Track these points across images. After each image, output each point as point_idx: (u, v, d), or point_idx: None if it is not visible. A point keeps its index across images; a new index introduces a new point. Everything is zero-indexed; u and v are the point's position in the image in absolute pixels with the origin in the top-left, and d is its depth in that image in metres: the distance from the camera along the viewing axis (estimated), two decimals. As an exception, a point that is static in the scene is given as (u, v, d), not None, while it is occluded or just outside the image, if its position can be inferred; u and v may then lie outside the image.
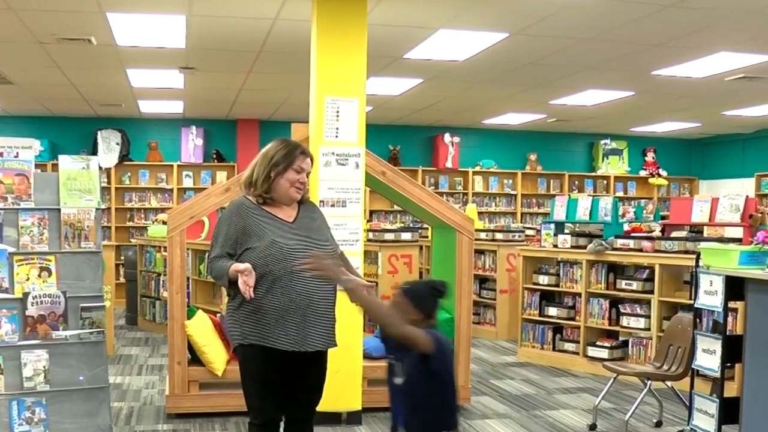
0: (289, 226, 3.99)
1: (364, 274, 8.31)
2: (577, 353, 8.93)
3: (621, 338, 8.64)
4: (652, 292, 8.13)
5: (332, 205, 6.42)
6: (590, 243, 8.68)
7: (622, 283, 8.45)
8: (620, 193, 16.72)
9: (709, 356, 5.53)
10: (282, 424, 4.24)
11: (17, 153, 5.33)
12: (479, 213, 14.60)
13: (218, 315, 7.18)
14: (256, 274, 3.86)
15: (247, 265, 3.83)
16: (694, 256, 5.89)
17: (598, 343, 8.67)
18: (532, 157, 16.47)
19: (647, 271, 8.27)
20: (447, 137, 15.79)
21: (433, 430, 3.70)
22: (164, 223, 10.15)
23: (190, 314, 6.62)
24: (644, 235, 8.66)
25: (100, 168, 5.86)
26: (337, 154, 6.49)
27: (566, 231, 9.31)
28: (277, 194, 4.03)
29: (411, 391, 3.74)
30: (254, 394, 4.10)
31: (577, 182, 16.72)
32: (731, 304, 5.74)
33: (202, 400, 6.55)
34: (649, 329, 8.17)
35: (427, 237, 10.75)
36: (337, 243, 4.31)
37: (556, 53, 9.01)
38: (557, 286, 9.21)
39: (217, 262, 4.00)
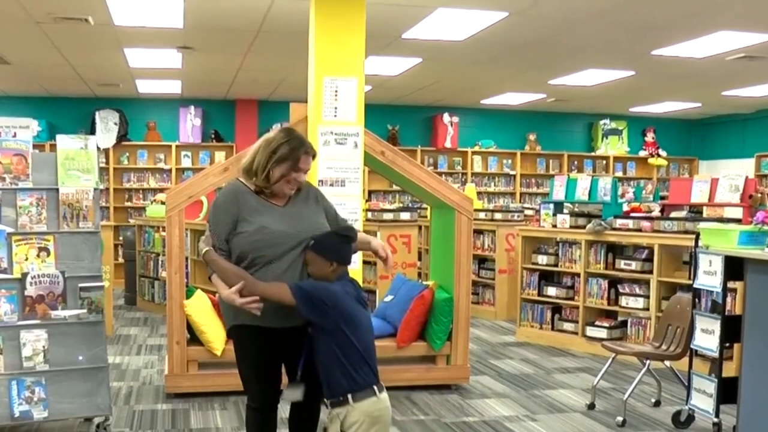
0: (281, 211, 3.95)
1: (362, 255, 8.32)
2: (575, 333, 8.95)
3: (620, 318, 8.65)
4: (651, 272, 8.14)
5: (331, 185, 6.42)
6: (589, 223, 8.68)
7: (621, 263, 8.46)
8: (619, 174, 16.71)
9: (707, 336, 5.55)
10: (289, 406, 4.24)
11: (15, 133, 5.32)
12: (478, 193, 14.60)
13: (217, 295, 7.17)
14: (246, 259, 3.86)
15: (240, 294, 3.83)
16: (694, 237, 5.89)
17: (596, 323, 8.69)
18: (532, 137, 16.45)
19: (646, 251, 8.28)
20: (446, 117, 15.76)
21: (334, 390, 3.73)
22: (163, 203, 10.14)
23: (189, 294, 6.62)
24: (643, 215, 8.66)
25: (99, 148, 5.86)
26: (335, 134, 6.49)
27: (565, 211, 9.31)
28: (273, 187, 3.97)
29: (314, 350, 3.80)
30: (250, 377, 4.10)
31: (576, 162, 16.71)
32: (730, 284, 5.75)
33: (201, 379, 6.56)
34: (647, 309, 8.18)
35: (426, 217, 10.75)
36: (341, 216, 4.26)
37: (556, 33, 8.98)
38: (556, 266, 9.22)
39: (215, 255, 3.95)
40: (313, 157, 4.04)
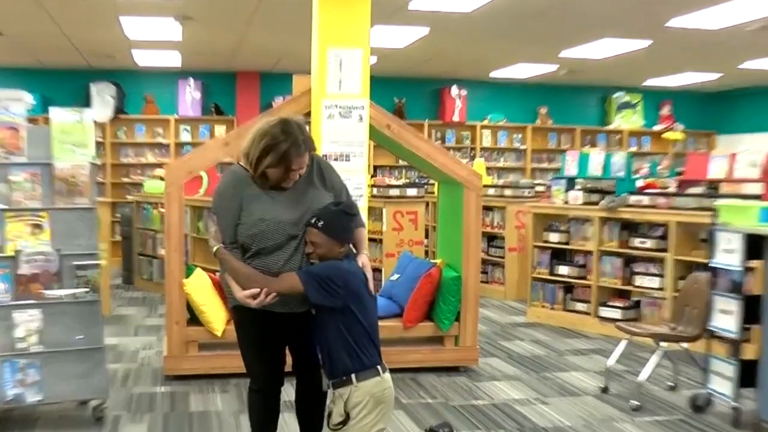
0: (281, 197, 3.86)
1: (368, 232, 8.30)
2: (588, 313, 8.92)
3: (634, 298, 8.62)
4: (666, 250, 8.09)
5: (335, 159, 6.38)
6: (603, 199, 8.64)
7: (636, 241, 8.42)
8: (634, 149, 16.61)
9: (726, 317, 5.52)
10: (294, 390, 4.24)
11: (8, 106, 5.28)
12: (487, 168, 14.55)
13: (218, 273, 7.15)
14: (249, 251, 3.84)
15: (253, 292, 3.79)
16: (711, 213, 5.85)
17: (610, 303, 8.67)
18: (543, 110, 16.38)
19: (662, 228, 8.23)
20: (454, 90, 15.69)
21: (338, 370, 3.72)
22: (161, 178, 10.11)
23: (188, 273, 6.61)
24: (659, 191, 8.61)
25: (94, 122, 5.79)
26: (340, 107, 6.45)
27: (578, 187, 9.26)
28: (269, 181, 3.90)
29: (317, 329, 3.82)
30: (251, 358, 4.11)
31: (589, 137, 16.62)
32: (749, 263, 5.71)
33: (201, 361, 6.55)
34: (663, 289, 8.15)
35: (433, 193, 10.71)
36: (347, 190, 4.17)
37: (568, 1, 8.90)
38: (568, 244, 9.18)
39: (225, 254, 3.91)
40: (312, 151, 3.92)
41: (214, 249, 3.93)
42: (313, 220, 3.78)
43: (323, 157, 4.28)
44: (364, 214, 6.47)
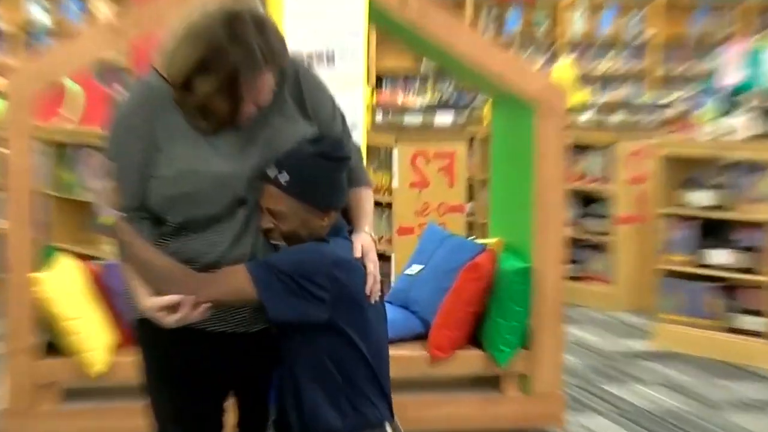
0: (229, 137, 3.79)
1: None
2: (764, 335, 8.94)
3: None
4: None
5: (311, 59, 6.38)
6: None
7: None
8: None
9: None
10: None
11: None
12: (580, 77, 14.57)
13: (101, 262, 7.18)
14: (164, 224, 3.82)
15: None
16: None
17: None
18: (681, -30, 16.43)
19: None
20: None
21: (317, 428, 3.73)
22: (-3, 94, 10.15)
23: (47, 261, 6.63)
24: None
25: None
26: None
27: (745, 108, 9.25)
28: (212, 115, 3.79)
29: (280, 369, 3.84)
30: (164, 413, 4.09)
31: (764, 18, 16.64)
32: None
33: (68, 419, 6.60)
34: None
35: (482, 122, 10.74)
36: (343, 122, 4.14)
37: None
38: (727, 209, 9.19)
39: (128, 233, 3.87)
40: (281, 64, 3.79)
41: (109, 219, 3.86)
42: (271, 172, 3.69)
43: (303, 62, 4.17)
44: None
